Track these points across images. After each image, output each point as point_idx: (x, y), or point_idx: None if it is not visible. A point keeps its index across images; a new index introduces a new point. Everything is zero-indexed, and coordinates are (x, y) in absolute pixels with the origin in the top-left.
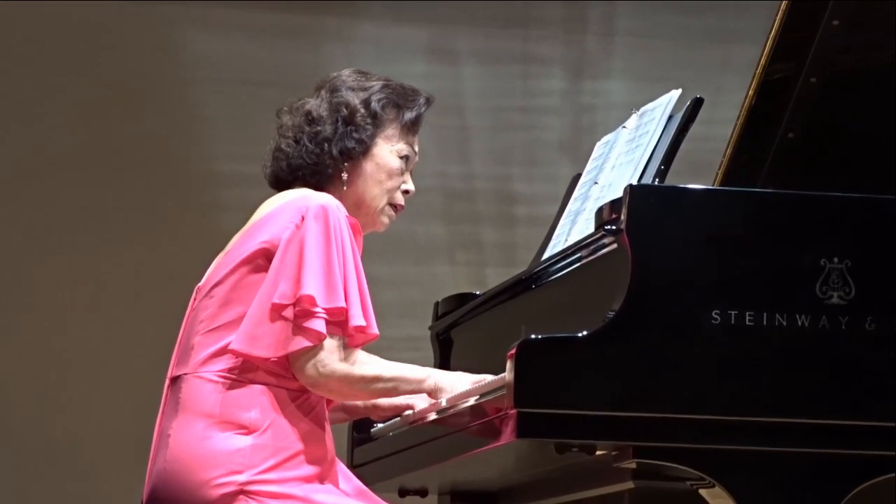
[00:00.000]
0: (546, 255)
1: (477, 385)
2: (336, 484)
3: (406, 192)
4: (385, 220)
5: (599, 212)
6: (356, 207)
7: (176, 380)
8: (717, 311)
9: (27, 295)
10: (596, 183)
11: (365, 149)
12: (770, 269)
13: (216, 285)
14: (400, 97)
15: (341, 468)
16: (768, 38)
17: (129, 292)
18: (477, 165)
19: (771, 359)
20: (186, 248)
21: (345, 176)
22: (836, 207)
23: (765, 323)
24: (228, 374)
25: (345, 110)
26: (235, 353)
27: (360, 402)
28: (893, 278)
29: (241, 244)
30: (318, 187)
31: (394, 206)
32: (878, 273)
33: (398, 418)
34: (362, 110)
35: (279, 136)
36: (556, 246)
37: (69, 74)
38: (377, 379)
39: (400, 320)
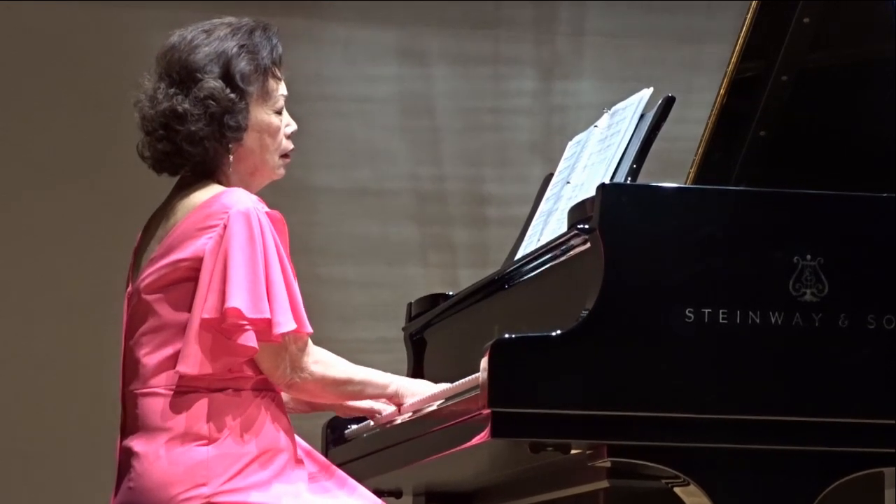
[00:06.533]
0: (519, 255)
1: (448, 388)
2: (305, 471)
3: (290, 134)
4: (281, 171)
5: (572, 211)
6: (250, 175)
7: (129, 396)
8: (691, 310)
9: None
10: (568, 182)
11: (245, 128)
12: (743, 267)
13: (148, 294)
14: (255, 52)
15: (314, 455)
16: (739, 36)
17: (99, 295)
18: (448, 167)
19: (745, 357)
20: None
21: (231, 158)
22: (808, 205)
23: (738, 321)
24: (180, 387)
25: (213, 104)
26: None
27: None
28: (866, 275)
29: (164, 254)
30: (209, 175)
31: (285, 154)
32: (851, 270)
33: (371, 421)
34: (229, 93)
35: (146, 130)
36: (528, 246)
37: (30, 78)
38: (349, 382)
39: (372, 322)
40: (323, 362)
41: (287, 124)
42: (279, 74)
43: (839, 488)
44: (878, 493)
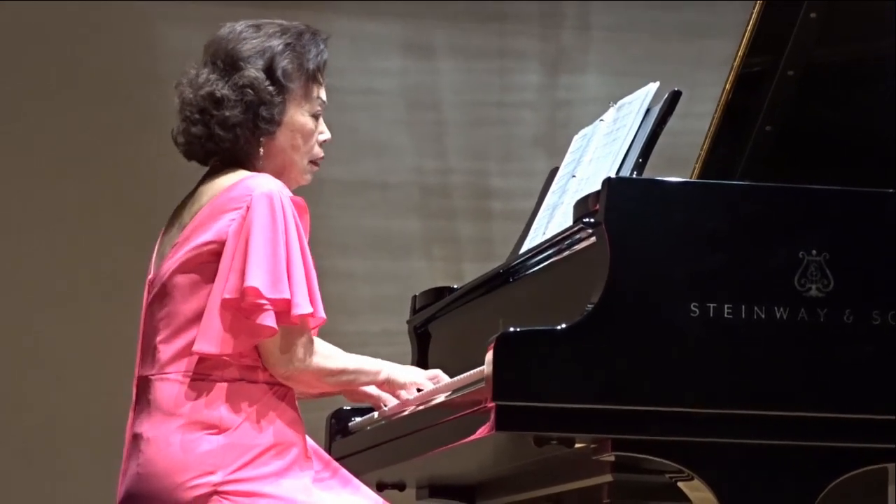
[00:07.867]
0: (524, 249)
1: (448, 381)
2: (312, 468)
3: (323, 142)
4: (308, 177)
5: (577, 205)
6: (278, 174)
7: (143, 381)
8: (696, 304)
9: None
10: (574, 176)
11: (279, 123)
12: (748, 262)
13: (169, 279)
14: (301, 53)
15: (320, 453)
16: (745, 31)
17: (103, 289)
18: (453, 160)
19: (749, 351)
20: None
21: (261, 151)
22: (813, 200)
23: (743, 316)
24: (195, 374)
25: (251, 92)
26: (199, 354)
27: None
28: (871, 271)
29: (188, 238)
30: (238, 165)
31: (314, 161)
32: (856, 265)
33: (376, 413)
34: (268, 86)
35: (184, 115)
36: (533, 239)
37: (44, 71)
38: (343, 371)
39: (376, 315)
40: (322, 354)
41: (321, 132)
42: (321, 80)
43: (843, 483)
44: (882, 488)
